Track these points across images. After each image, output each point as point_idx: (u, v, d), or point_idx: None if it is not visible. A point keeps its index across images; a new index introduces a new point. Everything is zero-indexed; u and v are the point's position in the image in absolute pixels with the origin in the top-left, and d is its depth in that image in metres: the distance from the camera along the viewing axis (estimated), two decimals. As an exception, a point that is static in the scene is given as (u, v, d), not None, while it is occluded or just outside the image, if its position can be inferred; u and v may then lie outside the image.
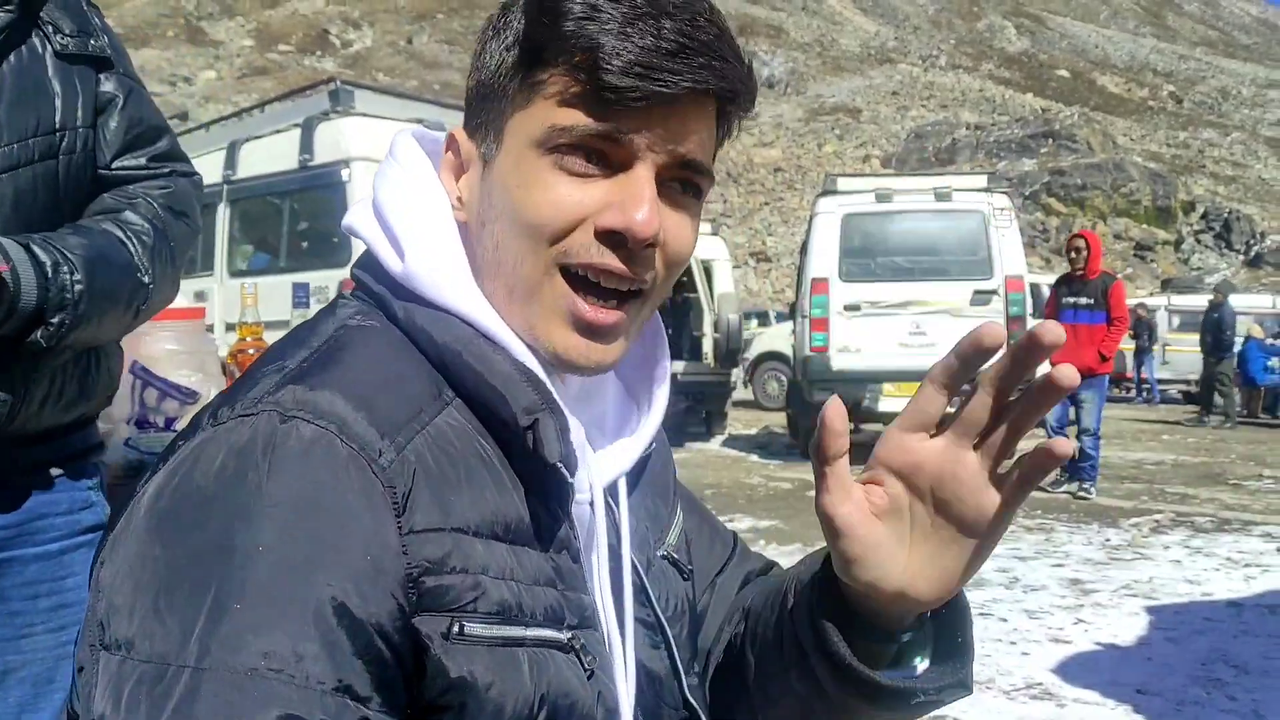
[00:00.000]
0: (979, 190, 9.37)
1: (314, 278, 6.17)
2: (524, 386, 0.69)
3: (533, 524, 0.69)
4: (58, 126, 1.31)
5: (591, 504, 0.75)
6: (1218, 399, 13.89)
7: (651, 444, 0.85)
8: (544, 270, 0.70)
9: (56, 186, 1.33)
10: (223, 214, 6.90)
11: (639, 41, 0.65)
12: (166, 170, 1.43)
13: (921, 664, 0.76)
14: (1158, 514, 7.13)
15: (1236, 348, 14.49)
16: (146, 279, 1.33)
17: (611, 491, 0.79)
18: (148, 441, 1.93)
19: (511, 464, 0.69)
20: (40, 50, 1.31)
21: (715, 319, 10.72)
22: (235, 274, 6.84)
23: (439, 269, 0.72)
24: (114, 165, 1.38)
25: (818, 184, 40.35)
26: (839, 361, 9.16)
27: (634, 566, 0.80)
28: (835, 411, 0.68)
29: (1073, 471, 7.72)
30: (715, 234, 12.21)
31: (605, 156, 0.69)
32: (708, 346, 10.83)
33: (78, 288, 1.21)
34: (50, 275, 1.19)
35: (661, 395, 0.86)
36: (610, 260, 0.69)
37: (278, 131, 6.69)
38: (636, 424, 0.84)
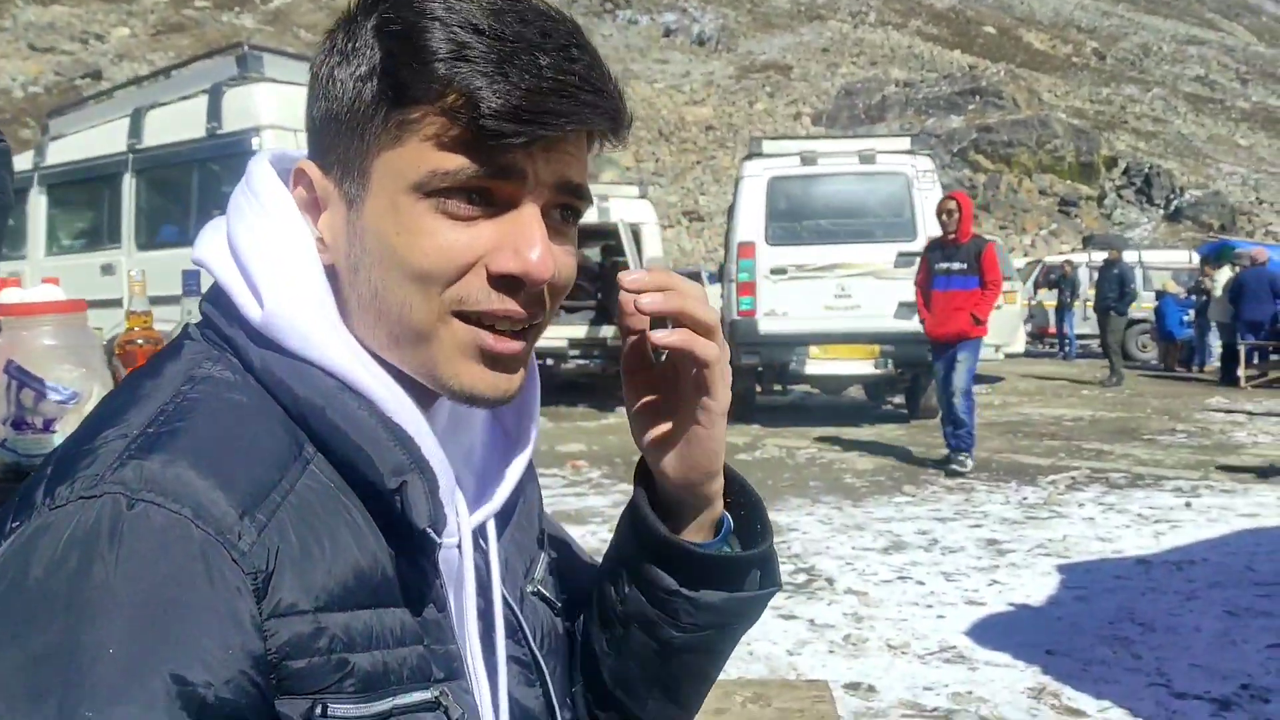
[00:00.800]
0: (903, 152, 9.43)
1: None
2: (390, 446, 0.66)
3: (398, 581, 0.67)
4: None
5: (459, 546, 0.73)
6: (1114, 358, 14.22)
7: (521, 480, 0.83)
8: (437, 317, 0.67)
9: None
10: (129, 184, 6.66)
11: (518, 82, 0.63)
12: None
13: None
14: (1074, 470, 7.31)
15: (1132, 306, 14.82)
16: None
17: (480, 529, 0.77)
18: (24, 444, 1.85)
19: (375, 519, 0.66)
20: None
21: (644, 283, 10.65)
22: (144, 246, 6.63)
23: (301, 317, 0.67)
24: None
25: (750, 142, 40.41)
26: (766, 325, 9.21)
27: (506, 603, 0.79)
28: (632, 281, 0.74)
29: (947, 440, 7.35)
30: (643, 196, 12.11)
31: (489, 194, 0.66)
32: (636, 311, 10.77)
33: None
34: None
35: (532, 430, 0.84)
36: (509, 305, 0.68)
37: (185, 98, 6.44)
38: (507, 459, 0.82)
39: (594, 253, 12.38)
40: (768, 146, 9.55)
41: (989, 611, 4.22)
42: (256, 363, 0.67)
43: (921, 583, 4.61)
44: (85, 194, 7.38)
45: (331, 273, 0.70)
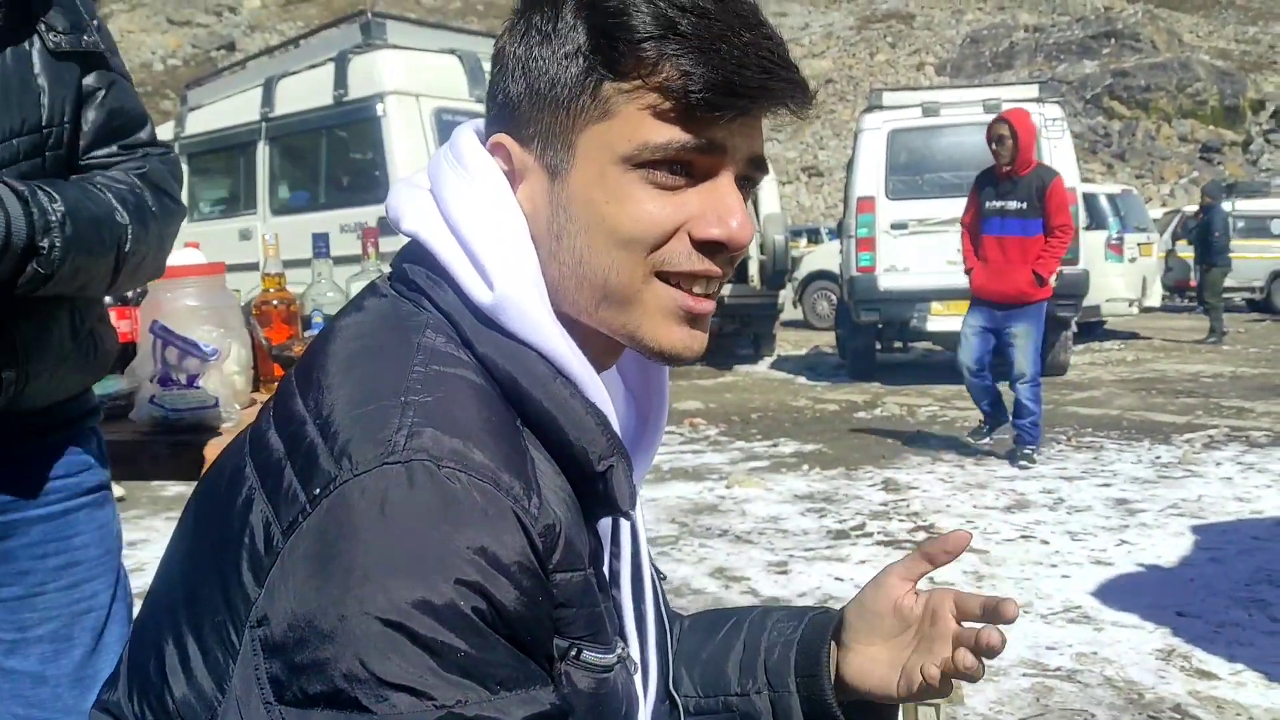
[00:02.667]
0: (1030, 100, 9.09)
1: (352, 214, 6.21)
2: (596, 432, 0.71)
3: (589, 545, 0.73)
4: (44, 124, 1.31)
5: (627, 515, 0.79)
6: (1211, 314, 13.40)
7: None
8: (642, 279, 0.72)
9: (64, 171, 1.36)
10: (263, 152, 6.94)
11: (727, 59, 0.67)
12: (140, 153, 1.44)
13: None
14: (1212, 429, 7.00)
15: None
16: (121, 218, 1.33)
17: None
18: (171, 399, 1.97)
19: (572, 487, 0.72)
20: (28, 49, 1.31)
21: (761, 240, 10.59)
22: (278, 211, 6.90)
23: (529, 303, 0.71)
24: (88, 156, 1.39)
25: (871, 95, 39.49)
26: (886, 281, 9.07)
27: (653, 567, 0.87)
28: (958, 541, 0.95)
29: (1014, 430, 6.14)
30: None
31: (690, 166, 0.71)
32: (753, 269, 10.73)
33: (58, 208, 1.22)
34: (29, 199, 1.19)
35: (664, 406, 0.90)
36: (709, 266, 0.73)
37: (312, 67, 6.66)
38: (643, 429, 0.89)
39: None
40: (888, 98, 9.32)
41: (1117, 572, 4.11)
42: (477, 343, 0.71)
43: (1046, 542, 4.51)
44: (222, 162, 7.71)
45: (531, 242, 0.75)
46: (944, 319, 8.99)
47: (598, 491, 0.71)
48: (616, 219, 0.71)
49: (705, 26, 0.67)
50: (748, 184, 0.75)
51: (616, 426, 0.74)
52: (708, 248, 0.72)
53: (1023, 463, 5.98)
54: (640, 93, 0.69)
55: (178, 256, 2.22)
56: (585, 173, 0.71)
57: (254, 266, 6.62)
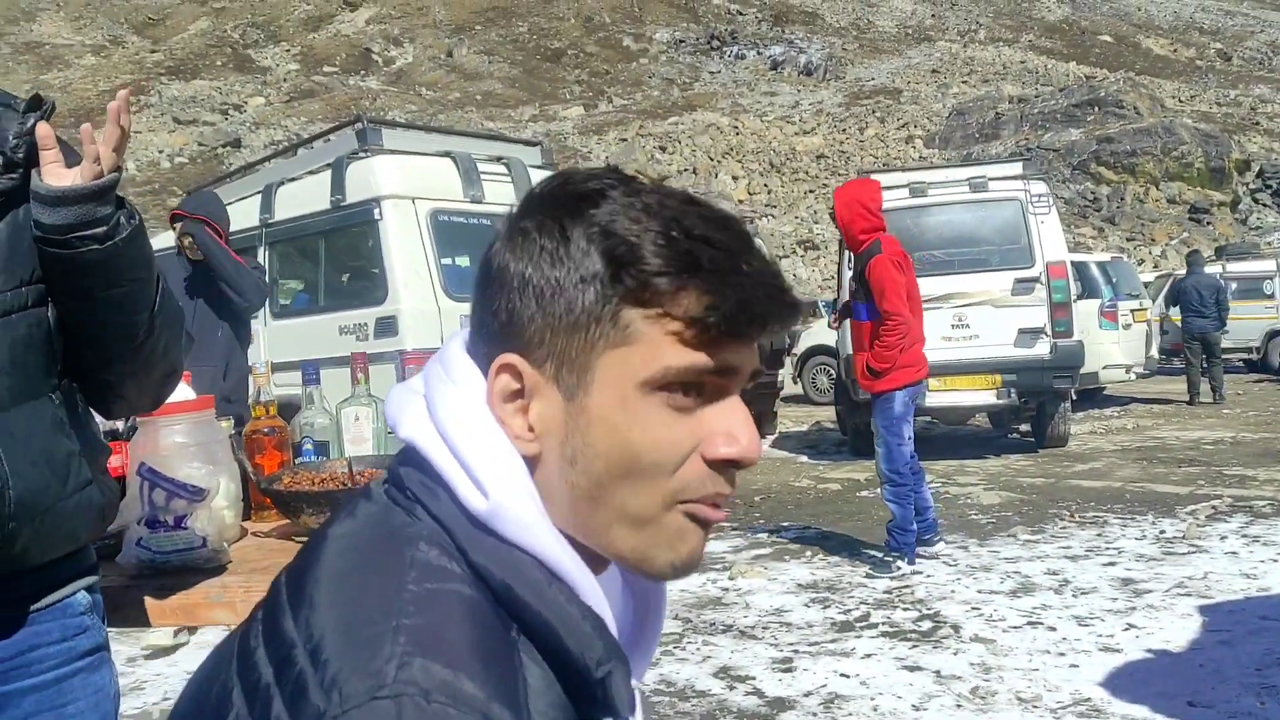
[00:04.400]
0: (1015, 178, 9.24)
1: (352, 316, 6.27)
2: (594, 639, 0.70)
3: None
4: None
5: None
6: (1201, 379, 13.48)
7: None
8: (662, 506, 0.72)
9: (49, 328, 1.41)
10: (263, 256, 7.02)
11: (742, 287, 0.70)
12: None
13: None
14: (1215, 499, 6.97)
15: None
16: (154, 293, 1.45)
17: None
18: (158, 541, 1.98)
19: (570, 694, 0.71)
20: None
21: (758, 321, 10.64)
22: (279, 315, 6.96)
23: (523, 509, 0.72)
24: None
25: (862, 168, 39.60)
26: (882, 360, 9.08)
27: None
28: None
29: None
30: (755, 235, 12.11)
31: (701, 387, 0.72)
32: (752, 349, 10.77)
33: (132, 220, 1.40)
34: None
35: (663, 601, 0.88)
36: (724, 488, 0.74)
37: (311, 173, 6.78)
38: (643, 626, 0.87)
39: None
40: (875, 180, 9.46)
41: (1125, 659, 4.07)
42: (471, 551, 0.71)
43: (1053, 628, 4.47)
44: (222, 267, 7.80)
45: (532, 461, 0.74)
46: (941, 394, 9.01)
47: (596, 698, 0.70)
48: (640, 444, 0.71)
49: (721, 258, 0.70)
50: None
51: (615, 629, 0.73)
52: (721, 466, 0.73)
53: (879, 571, 5.44)
54: (662, 319, 0.70)
55: (168, 392, 2.25)
56: (604, 396, 0.72)
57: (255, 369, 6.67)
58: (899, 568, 5.45)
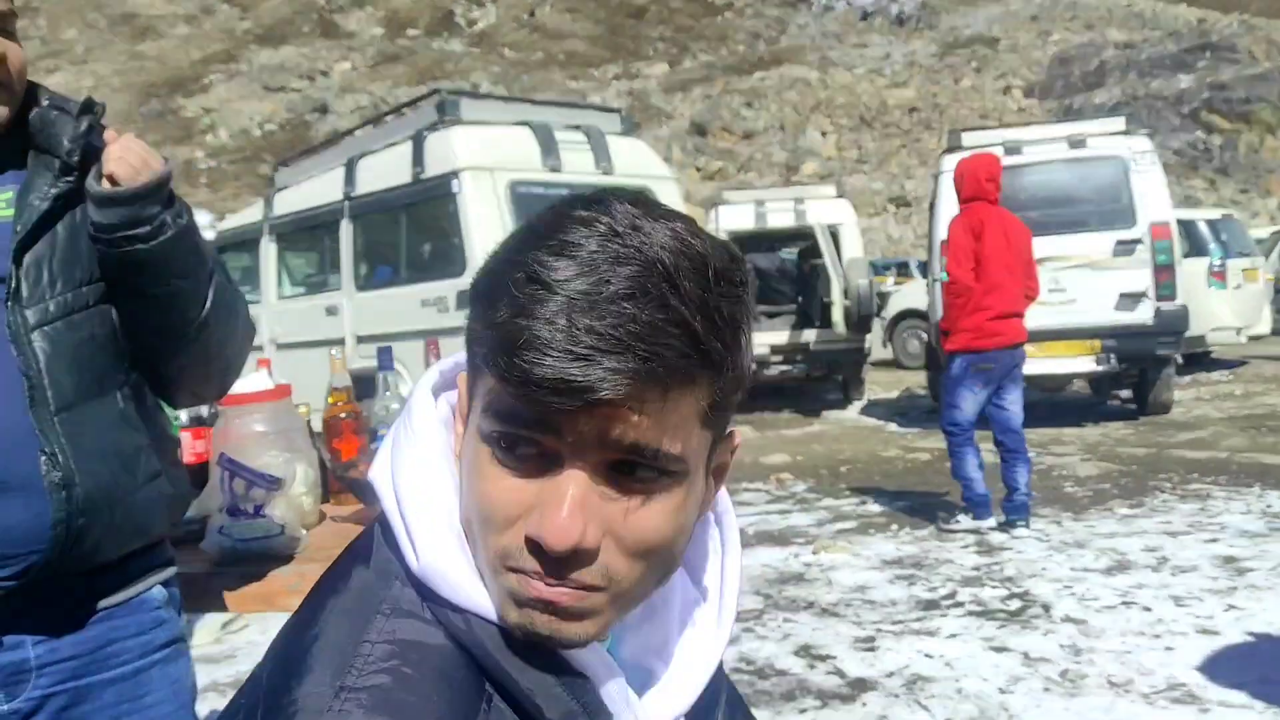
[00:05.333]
0: (1117, 134, 8.87)
1: (432, 289, 6.34)
2: (557, 693, 0.68)
3: None
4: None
5: None
6: None
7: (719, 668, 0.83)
8: (490, 564, 0.68)
9: (113, 326, 1.46)
10: (346, 230, 7.13)
11: (553, 345, 0.61)
12: None
13: None
14: (1328, 472, 6.66)
15: None
16: (214, 261, 1.51)
17: None
18: (239, 529, 2.02)
19: None
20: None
21: (845, 285, 10.49)
22: (361, 287, 7.07)
23: (451, 571, 0.69)
24: None
25: (957, 121, 38.52)
26: (975, 325, 8.85)
27: None
28: None
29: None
30: (841, 195, 11.90)
31: (543, 453, 0.65)
32: (838, 314, 10.62)
33: (179, 220, 1.43)
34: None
35: (730, 609, 0.82)
36: (534, 564, 0.66)
37: (391, 146, 6.85)
38: (704, 644, 0.80)
39: (792, 255, 12.28)
40: (967, 138, 9.17)
41: (1225, 642, 3.91)
42: (432, 610, 0.70)
43: (1148, 609, 4.32)
44: (308, 240, 7.97)
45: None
46: (1037, 361, 8.75)
47: None
48: (471, 491, 0.69)
49: (547, 310, 0.62)
50: (657, 474, 0.66)
51: (600, 679, 0.70)
52: (534, 546, 0.65)
53: (945, 523, 5.79)
54: (490, 373, 0.65)
55: (247, 382, 2.28)
56: (468, 436, 0.70)
57: (339, 342, 6.82)
58: (957, 521, 5.68)
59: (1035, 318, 8.52)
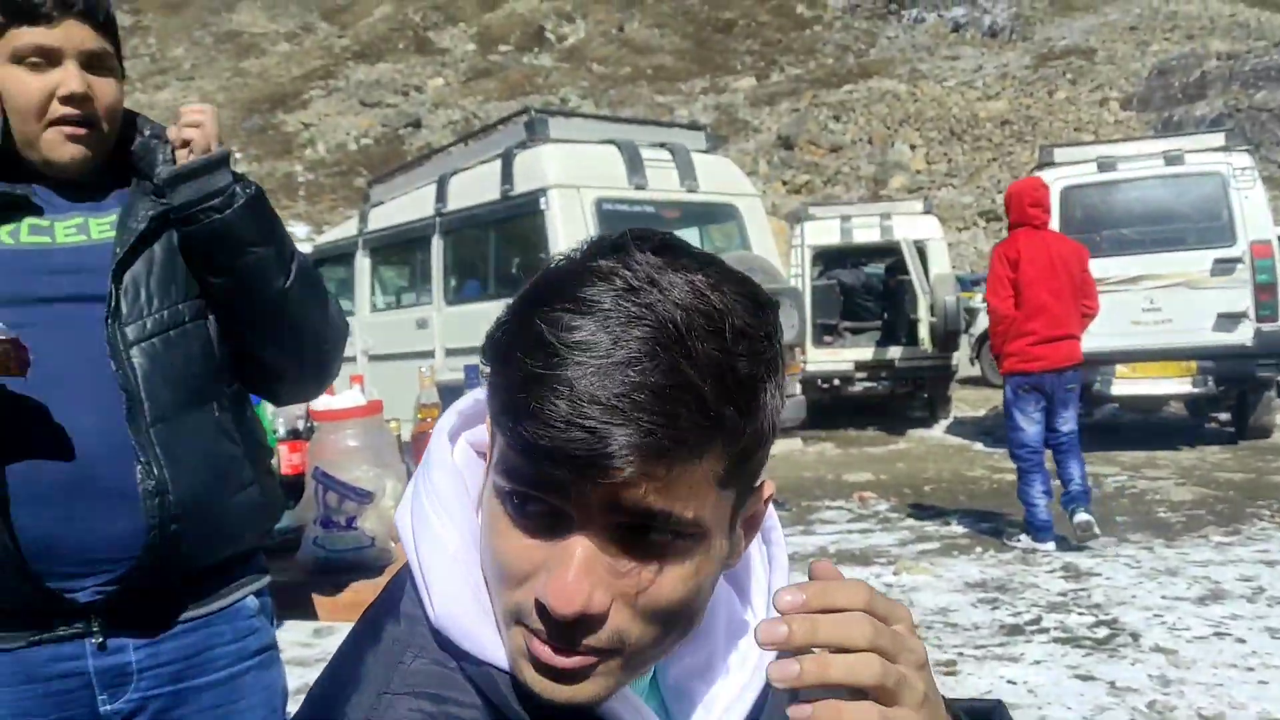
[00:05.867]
0: (1216, 149, 8.62)
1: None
2: None
3: None
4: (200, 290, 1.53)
5: None
6: None
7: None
8: (504, 614, 0.69)
9: (209, 340, 1.54)
10: (436, 245, 7.30)
11: (557, 416, 0.60)
12: None
13: None
14: None
15: None
16: (287, 260, 1.56)
17: None
18: (332, 540, 2.11)
19: None
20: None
21: (931, 301, 10.37)
22: (451, 301, 7.23)
23: (467, 624, 0.71)
24: None
25: (1050, 134, 37.58)
26: (1064, 343, 8.69)
27: None
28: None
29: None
30: (928, 212, 11.77)
31: (553, 512, 0.65)
32: (924, 331, 10.51)
33: (248, 190, 1.52)
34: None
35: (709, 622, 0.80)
36: (545, 629, 0.65)
37: (481, 163, 7.01)
38: (751, 665, 0.78)
39: (878, 271, 12.18)
40: (1059, 154, 9.02)
41: (1324, 679, 3.79)
42: (455, 658, 0.72)
43: (1242, 640, 4.19)
44: (401, 255, 8.18)
45: None
46: (1130, 382, 8.56)
47: None
48: (487, 546, 0.69)
49: (546, 379, 0.61)
50: (671, 537, 0.65)
51: (622, 718, 0.71)
52: (541, 609, 0.65)
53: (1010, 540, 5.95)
54: (499, 434, 0.66)
55: (342, 399, 2.38)
56: (486, 482, 0.70)
57: (429, 354, 6.99)
58: (1019, 540, 5.84)
59: (1128, 338, 8.38)
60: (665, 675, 0.77)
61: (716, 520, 0.67)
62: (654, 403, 0.60)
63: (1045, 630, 4.44)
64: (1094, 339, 8.56)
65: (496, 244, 7.05)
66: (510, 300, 0.69)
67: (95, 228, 1.49)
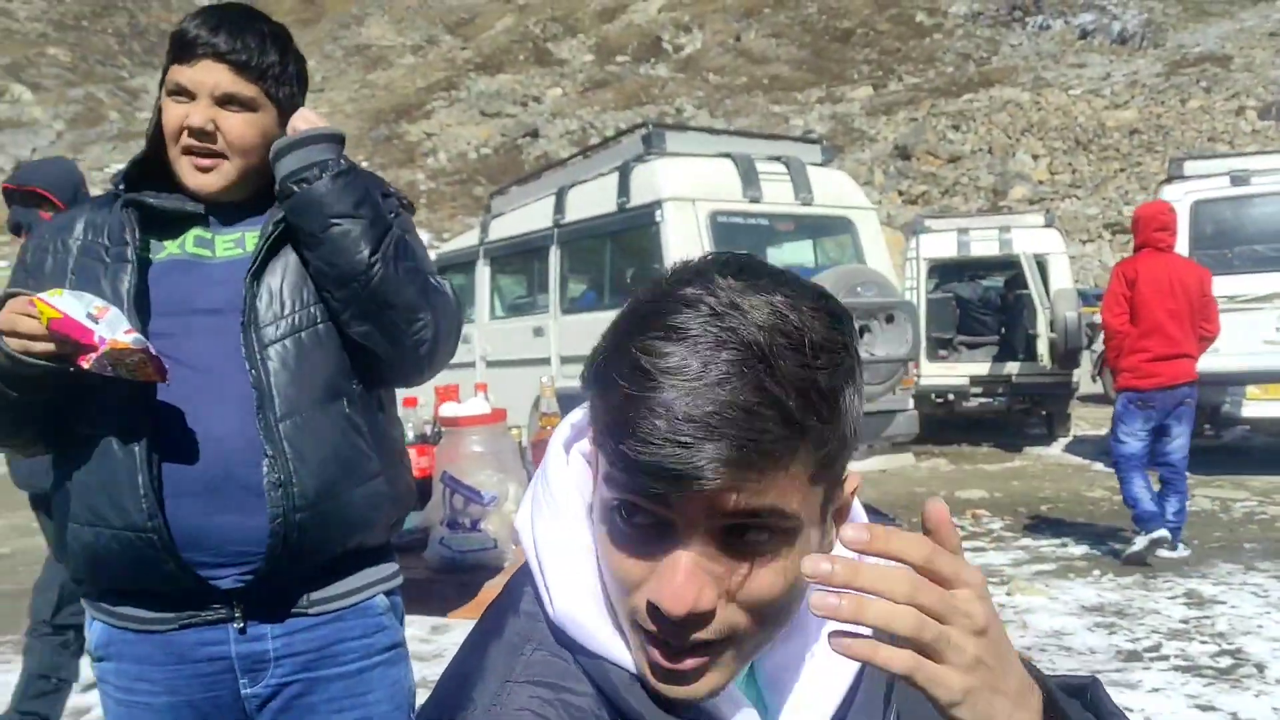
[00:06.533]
0: (1360, 163, 8.24)
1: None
2: None
3: None
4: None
5: None
6: None
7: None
8: (624, 619, 0.76)
9: (339, 340, 1.64)
10: (554, 255, 7.47)
11: (655, 435, 0.67)
12: None
13: None
14: None
15: None
16: (377, 235, 1.60)
17: None
18: (457, 541, 2.22)
19: None
20: None
21: (1051, 317, 10.13)
22: (567, 310, 7.39)
23: (584, 621, 0.77)
24: None
25: (1182, 144, 36.13)
26: (1193, 363, 8.39)
27: None
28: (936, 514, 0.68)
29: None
30: (1049, 225, 11.48)
31: (658, 521, 0.71)
32: (1043, 346, 10.27)
33: (341, 164, 1.60)
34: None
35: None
36: (654, 628, 0.72)
37: (599, 176, 7.15)
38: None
39: (996, 284, 11.94)
40: (1189, 167, 8.72)
41: None
42: (571, 650, 0.78)
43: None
44: (519, 264, 8.39)
45: None
46: (1261, 404, 8.22)
47: None
48: (603, 558, 0.76)
49: (640, 397, 0.68)
50: (767, 534, 0.71)
51: (722, 711, 0.76)
52: (654, 611, 0.71)
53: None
54: (605, 450, 0.72)
55: (467, 406, 2.50)
56: (595, 493, 0.77)
57: (545, 361, 7.15)
58: (1134, 545, 5.83)
59: (1261, 357, 8.05)
60: (762, 668, 0.82)
61: (808, 515, 0.73)
62: (743, 419, 0.66)
63: (1165, 658, 4.33)
64: (1224, 359, 8.27)
65: (612, 255, 7.17)
66: (612, 322, 0.75)
67: (250, 242, 1.63)
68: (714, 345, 0.67)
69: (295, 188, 1.58)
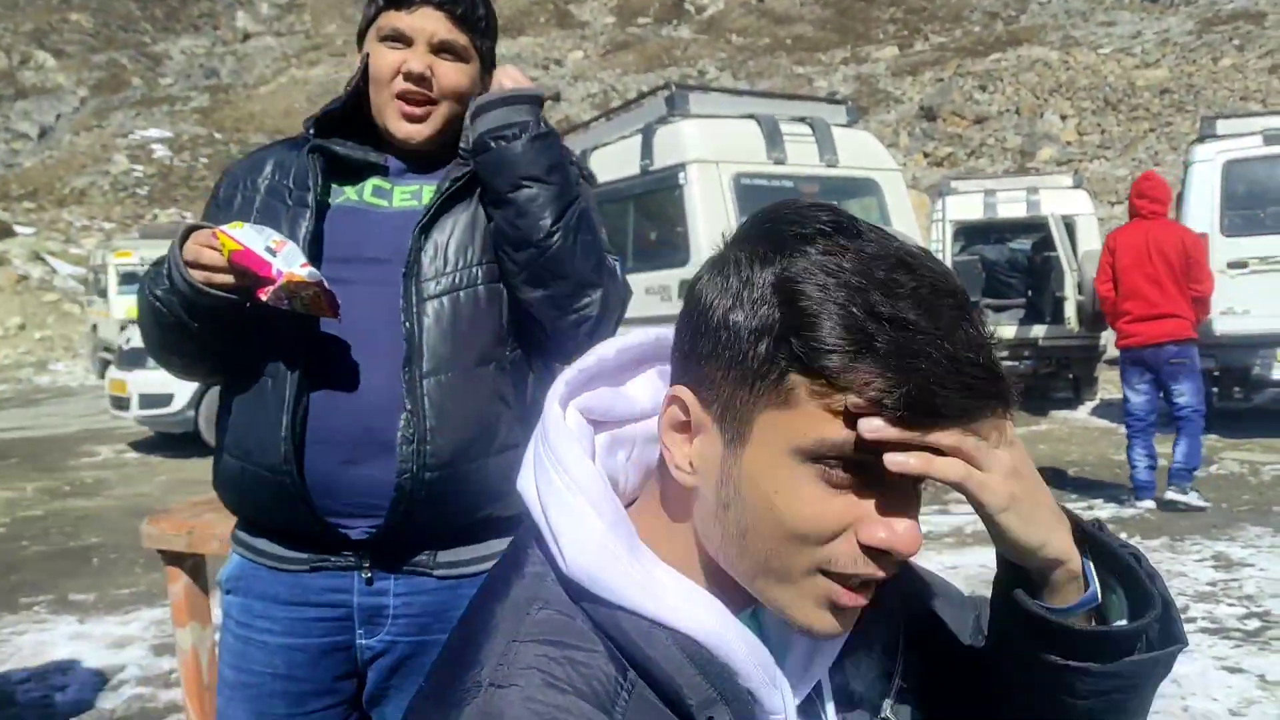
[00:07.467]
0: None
1: (657, 277, 6.54)
2: (697, 682, 0.73)
3: None
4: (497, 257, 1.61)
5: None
6: None
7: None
8: (804, 570, 0.72)
9: (499, 305, 1.61)
10: (578, 218, 7.46)
11: (926, 377, 0.65)
12: None
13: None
14: None
15: None
16: (565, 203, 1.57)
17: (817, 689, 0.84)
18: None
19: None
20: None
21: (1079, 279, 10.02)
22: (591, 273, 7.39)
23: (599, 572, 0.75)
24: None
25: (1214, 103, 35.71)
26: (1222, 325, 8.31)
27: None
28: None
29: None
30: (1078, 186, 11.34)
31: (867, 466, 0.69)
32: (1070, 309, 10.17)
33: (541, 130, 1.58)
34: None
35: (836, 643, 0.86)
36: (874, 570, 0.71)
37: (622, 138, 7.11)
38: (812, 655, 0.84)
39: (1023, 247, 11.82)
40: (1222, 126, 8.58)
41: None
42: (583, 606, 0.77)
43: None
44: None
45: (694, 494, 0.77)
46: (1294, 367, 8.14)
47: None
48: (785, 513, 0.70)
49: (904, 341, 0.65)
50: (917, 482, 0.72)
51: (752, 661, 0.76)
52: (874, 551, 0.70)
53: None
54: (827, 393, 0.67)
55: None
56: (758, 455, 0.71)
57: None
58: (1133, 504, 6.27)
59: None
60: (765, 610, 0.81)
61: None
62: (995, 362, 0.70)
63: (1192, 620, 4.31)
64: (1254, 320, 8.21)
65: (636, 217, 7.15)
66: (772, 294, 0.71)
67: (427, 195, 1.62)
68: (932, 292, 0.69)
69: (492, 143, 1.57)
